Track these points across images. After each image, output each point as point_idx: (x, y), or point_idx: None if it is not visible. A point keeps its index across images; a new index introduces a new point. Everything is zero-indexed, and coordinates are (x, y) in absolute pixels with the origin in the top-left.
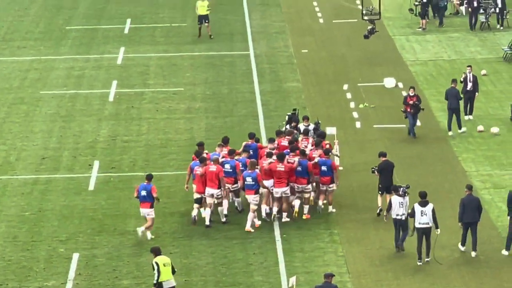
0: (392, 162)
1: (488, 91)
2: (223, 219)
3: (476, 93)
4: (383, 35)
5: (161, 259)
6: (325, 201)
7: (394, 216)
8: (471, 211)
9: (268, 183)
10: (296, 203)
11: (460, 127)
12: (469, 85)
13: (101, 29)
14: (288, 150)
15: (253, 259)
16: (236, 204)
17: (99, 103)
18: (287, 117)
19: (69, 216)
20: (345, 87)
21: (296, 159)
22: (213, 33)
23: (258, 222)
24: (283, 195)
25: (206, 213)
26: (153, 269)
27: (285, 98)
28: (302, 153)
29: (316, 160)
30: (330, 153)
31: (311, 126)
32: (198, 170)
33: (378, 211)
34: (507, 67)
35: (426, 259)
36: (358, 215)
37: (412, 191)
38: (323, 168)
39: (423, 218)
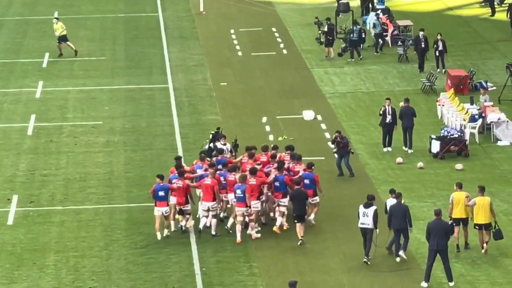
0: (305, 191)
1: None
2: (213, 232)
3: (395, 126)
4: (301, 68)
5: None
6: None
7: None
8: (399, 218)
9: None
10: (278, 220)
11: (410, 147)
12: (388, 117)
13: (19, 63)
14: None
15: None
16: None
17: (17, 137)
18: (211, 135)
19: None
20: (264, 119)
21: (273, 175)
22: (132, 65)
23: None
24: (253, 208)
25: (213, 223)
26: None
27: (204, 131)
28: (279, 167)
29: (300, 173)
30: (313, 167)
31: (228, 145)
32: (178, 183)
33: (299, 243)
34: (425, 99)
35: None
36: (278, 247)
37: (331, 222)
38: (306, 181)
39: (364, 219)
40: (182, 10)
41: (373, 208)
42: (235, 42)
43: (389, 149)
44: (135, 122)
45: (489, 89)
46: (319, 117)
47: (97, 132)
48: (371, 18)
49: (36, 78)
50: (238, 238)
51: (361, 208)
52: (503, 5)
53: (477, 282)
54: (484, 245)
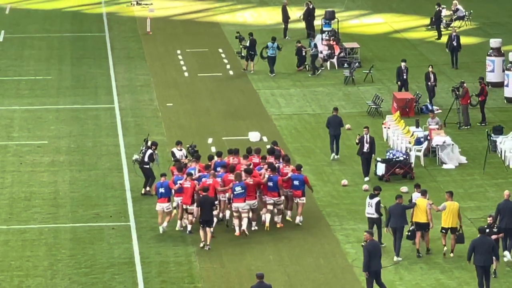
0: (212, 198)
1: (352, 146)
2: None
3: (373, 155)
4: (247, 89)
5: None
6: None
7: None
8: (396, 217)
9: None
10: (267, 217)
11: (337, 153)
12: (366, 146)
13: None
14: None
15: None
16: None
17: None
18: (149, 142)
19: None
20: (210, 140)
21: (267, 174)
22: (78, 85)
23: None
24: (252, 207)
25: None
26: None
27: None
28: (273, 169)
29: (289, 175)
30: (302, 168)
31: (184, 151)
32: (186, 183)
33: (201, 245)
34: (371, 121)
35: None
36: (223, 268)
37: (275, 243)
38: (295, 182)
39: (369, 209)
40: (129, 30)
41: (377, 199)
42: (182, 62)
43: (367, 178)
44: (81, 142)
45: (434, 112)
46: (265, 139)
47: (43, 152)
48: (317, 39)
49: None
50: (237, 232)
51: (367, 199)
52: (449, 28)
53: None
54: (445, 250)
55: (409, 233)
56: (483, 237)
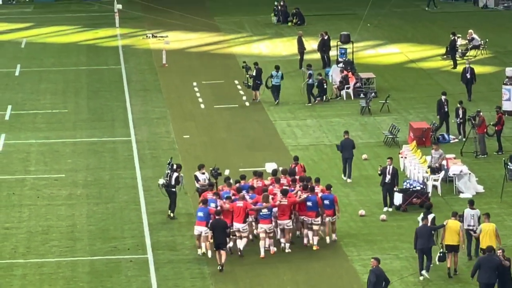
0: (224, 221)
1: (369, 176)
2: (239, 253)
3: (395, 187)
4: (263, 120)
5: None
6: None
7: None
8: (422, 239)
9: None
10: (313, 238)
11: (349, 177)
12: (388, 177)
13: None
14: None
15: None
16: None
17: None
18: (174, 165)
19: None
20: (227, 172)
21: (305, 195)
22: (95, 118)
23: (273, 249)
24: (286, 227)
25: (241, 243)
26: None
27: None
28: (311, 190)
29: (319, 195)
30: (331, 188)
31: (207, 175)
32: (226, 205)
33: (219, 267)
34: (388, 151)
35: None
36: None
37: (293, 272)
38: (326, 202)
39: None
40: (145, 62)
41: (432, 215)
42: (198, 94)
43: (389, 209)
44: (98, 175)
45: (451, 141)
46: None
47: (60, 185)
48: (333, 69)
49: None
50: (262, 254)
51: (421, 216)
52: (464, 58)
53: None
54: None
55: (441, 254)
56: (490, 256)
